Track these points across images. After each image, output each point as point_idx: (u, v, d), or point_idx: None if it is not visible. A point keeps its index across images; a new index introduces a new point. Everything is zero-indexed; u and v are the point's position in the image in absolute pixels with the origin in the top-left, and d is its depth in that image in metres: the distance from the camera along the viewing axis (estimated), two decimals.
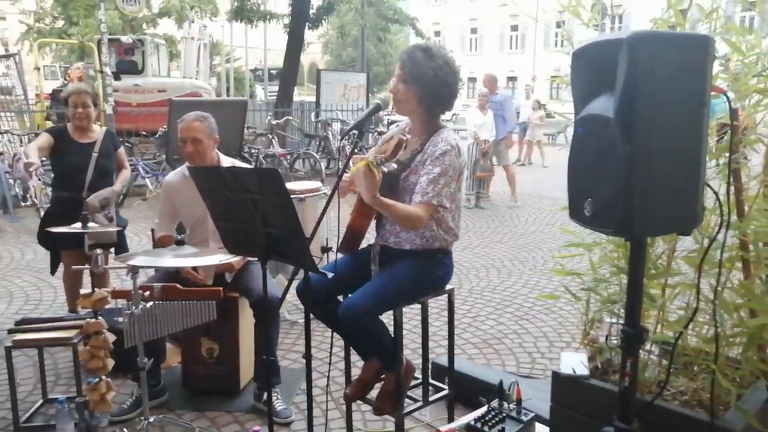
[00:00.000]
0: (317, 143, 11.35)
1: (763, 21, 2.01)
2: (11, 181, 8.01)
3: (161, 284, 2.77)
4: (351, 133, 2.33)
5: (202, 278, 3.13)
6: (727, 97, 1.56)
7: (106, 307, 2.84)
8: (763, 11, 2.01)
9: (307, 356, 2.19)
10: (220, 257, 2.44)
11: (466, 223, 7.97)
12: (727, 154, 1.80)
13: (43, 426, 3.09)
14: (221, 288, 2.83)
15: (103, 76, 9.69)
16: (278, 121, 10.76)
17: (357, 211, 2.46)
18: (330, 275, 2.25)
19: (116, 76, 11.96)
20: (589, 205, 1.50)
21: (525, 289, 5.33)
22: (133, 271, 2.50)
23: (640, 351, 1.91)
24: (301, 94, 25.48)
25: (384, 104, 2.37)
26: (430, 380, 2.79)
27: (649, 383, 2.06)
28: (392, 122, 11.48)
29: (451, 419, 2.68)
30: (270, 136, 10.21)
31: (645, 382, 2.04)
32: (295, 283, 2.56)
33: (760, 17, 2.06)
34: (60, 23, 25.70)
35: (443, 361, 3.11)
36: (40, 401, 3.31)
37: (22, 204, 7.89)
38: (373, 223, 2.55)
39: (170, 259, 2.53)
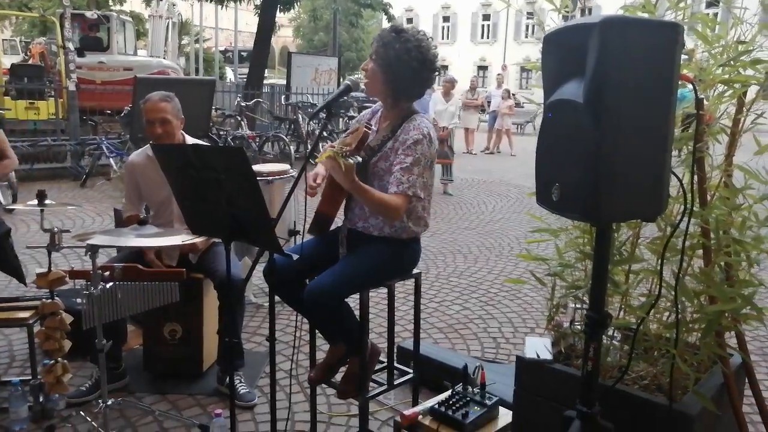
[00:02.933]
0: (287, 126, 11.22)
1: (727, 13, 2.03)
2: None
3: (122, 264, 2.70)
4: (320, 115, 2.29)
5: (161, 266, 3.07)
6: (694, 86, 1.58)
7: (65, 287, 2.76)
8: (728, 2, 2.04)
9: (271, 339, 2.16)
10: (183, 237, 2.39)
11: (435, 210, 8.01)
12: (692, 144, 1.82)
13: None
14: (184, 269, 2.77)
15: (66, 52, 9.38)
16: (248, 103, 10.59)
17: (326, 196, 2.43)
18: (296, 257, 2.22)
19: (80, 53, 11.58)
20: (556, 190, 1.50)
21: (491, 275, 5.38)
22: (93, 250, 2.42)
23: (603, 336, 1.93)
24: (272, 77, 25.15)
25: (354, 85, 2.33)
26: (395, 364, 2.79)
27: (611, 368, 2.10)
28: (364, 107, 11.44)
29: (415, 403, 2.69)
30: (239, 118, 10.06)
31: (607, 367, 2.08)
32: (261, 266, 2.53)
33: (725, 9, 2.08)
34: None
35: (408, 345, 3.11)
36: None
37: None
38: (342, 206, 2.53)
39: (132, 239, 2.46)
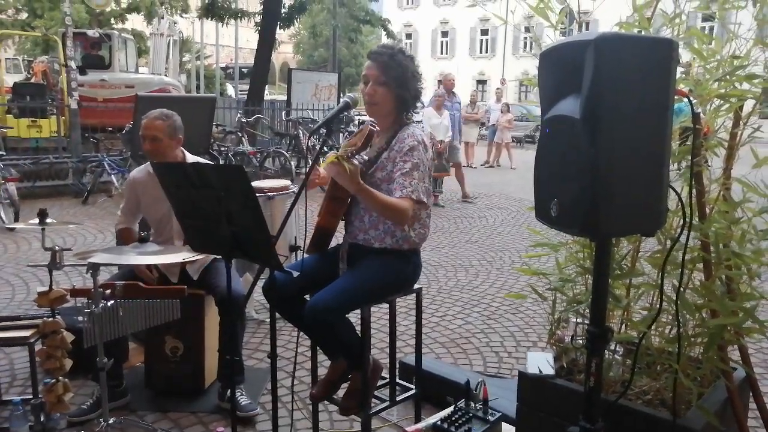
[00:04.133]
0: (288, 142, 11.26)
1: (722, 29, 2.05)
2: None
3: (123, 282, 2.70)
4: (320, 131, 2.31)
5: (153, 277, 3.08)
6: (690, 101, 1.59)
7: (66, 305, 2.76)
8: (723, 18, 2.06)
9: (272, 355, 2.16)
10: (184, 255, 2.39)
11: (435, 224, 8.01)
12: (690, 157, 1.83)
13: None
14: (185, 287, 2.78)
15: (68, 70, 9.45)
16: (248, 119, 10.64)
17: (325, 209, 2.44)
18: (296, 274, 2.23)
19: (82, 71, 11.66)
20: (555, 206, 1.51)
21: (492, 289, 5.37)
22: (93, 268, 2.43)
23: (605, 351, 1.93)
24: (272, 93, 25.29)
25: (353, 102, 2.35)
26: (398, 380, 2.78)
27: (614, 383, 2.09)
28: (362, 122, 11.47)
29: (418, 419, 2.68)
30: (240, 134, 10.09)
31: (609, 382, 2.07)
32: (261, 282, 2.53)
33: (720, 25, 2.10)
34: (24, 15, 25.04)
35: (411, 360, 3.11)
36: None
37: None
38: (342, 222, 2.54)
39: (133, 257, 2.47)
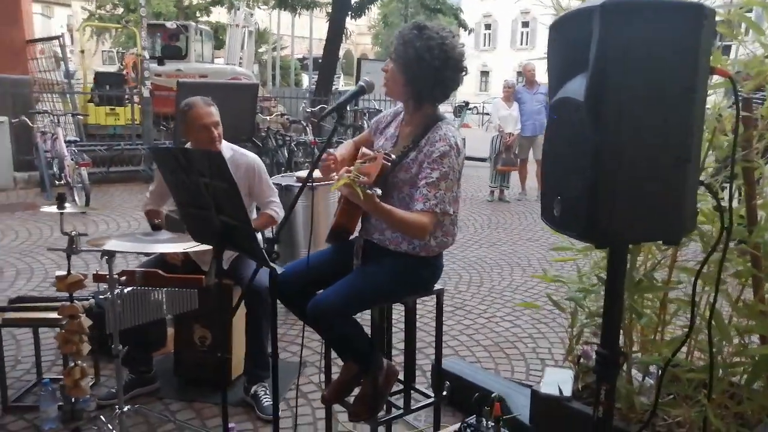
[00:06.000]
0: (352, 132, 11.22)
1: None
2: (50, 160, 8.21)
3: (143, 270, 2.68)
4: (332, 117, 2.15)
5: (178, 260, 3.06)
6: (733, 82, 1.30)
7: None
8: None
9: (274, 357, 2.04)
10: (192, 243, 2.32)
11: (497, 219, 7.72)
12: (738, 152, 1.54)
13: (30, 406, 3.05)
14: (203, 276, 2.72)
15: (141, 60, 9.80)
16: (313, 109, 10.67)
17: (343, 210, 2.28)
18: (280, 270, 2.07)
19: (160, 61, 12.10)
20: (557, 204, 1.28)
21: (549, 290, 5.05)
22: (109, 255, 2.40)
23: (635, 371, 1.68)
24: (350, 84, 25.42)
25: (368, 87, 2.18)
26: (415, 385, 2.60)
27: (643, 411, 1.81)
28: (369, 110, 11.31)
29: (437, 428, 2.49)
30: (304, 124, 10.13)
31: (637, 410, 1.80)
32: None
33: None
34: (120, 10, 26.48)
35: (446, 364, 2.93)
36: (34, 381, 3.28)
37: (56, 183, 8.06)
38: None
39: (146, 245, 2.43)
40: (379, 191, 1.95)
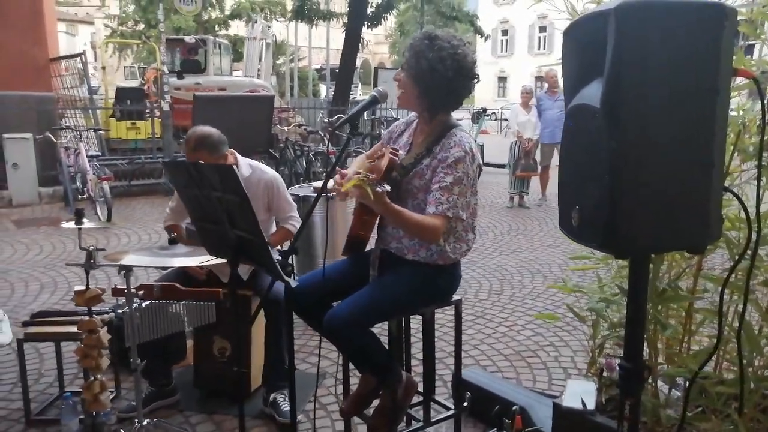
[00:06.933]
0: (370, 141, 11.23)
1: None
2: (73, 174, 8.34)
3: (160, 284, 2.68)
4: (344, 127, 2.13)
5: (202, 274, 3.05)
6: (758, 83, 1.25)
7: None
8: None
9: (291, 368, 2.02)
10: (207, 257, 2.32)
11: (517, 225, 7.64)
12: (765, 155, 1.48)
13: (52, 420, 3.07)
14: (219, 289, 2.72)
15: (160, 74, 9.93)
16: (331, 119, 10.70)
17: (357, 218, 2.27)
18: (294, 284, 2.04)
19: (179, 75, 12.24)
20: (576, 213, 1.25)
21: (571, 298, 4.97)
22: (126, 269, 2.41)
23: (661, 383, 1.62)
24: (367, 93, 25.52)
25: (381, 97, 2.17)
26: (436, 397, 2.57)
27: (670, 425, 1.75)
28: (386, 118, 11.29)
29: None
30: (322, 134, 10.16)
31: (664, 424, 1.74)
32: None
33: None
34: (141, 26, 26.98)
35: (467, 375, 2.89)
36: (57, 394, 3.31)
37: (79, 197, 8.18)
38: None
39: (163, 259, 2.43)
40: (388, 188, 1.94)
